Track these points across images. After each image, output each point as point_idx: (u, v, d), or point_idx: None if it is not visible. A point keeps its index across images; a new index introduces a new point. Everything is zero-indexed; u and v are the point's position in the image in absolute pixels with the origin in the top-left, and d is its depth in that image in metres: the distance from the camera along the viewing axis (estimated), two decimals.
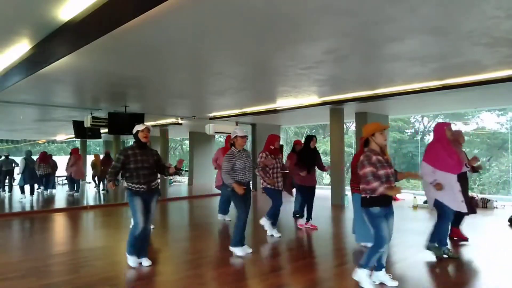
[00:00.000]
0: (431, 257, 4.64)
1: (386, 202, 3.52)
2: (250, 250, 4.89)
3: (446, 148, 4.50)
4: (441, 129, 4.59)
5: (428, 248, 4.68)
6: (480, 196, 9.72)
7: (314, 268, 4.45)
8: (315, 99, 8.72)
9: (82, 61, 5.46)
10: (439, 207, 4.55)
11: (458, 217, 5.32)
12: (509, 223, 6.88)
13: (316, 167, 6.50)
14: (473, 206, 5.55)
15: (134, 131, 4.36)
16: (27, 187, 11.67)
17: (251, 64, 5.89)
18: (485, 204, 9.07)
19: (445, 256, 4.58)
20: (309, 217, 6.52)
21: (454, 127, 5.04)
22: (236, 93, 8.19)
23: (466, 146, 22.32)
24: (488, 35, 4.35)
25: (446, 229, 4.67)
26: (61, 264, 4.56)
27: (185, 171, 20.27)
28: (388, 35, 4.39)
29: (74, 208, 9.59)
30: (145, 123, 4.49)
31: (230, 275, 4.12)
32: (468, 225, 6.92)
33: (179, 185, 16.69)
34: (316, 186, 6.77)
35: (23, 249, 5.56)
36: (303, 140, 6.76)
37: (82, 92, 8.24)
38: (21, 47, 4.75)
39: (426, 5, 3.56)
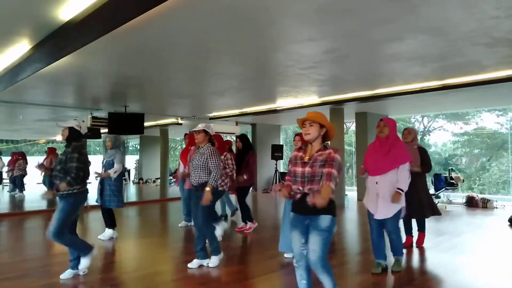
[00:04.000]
0: (430, 258, 4.65)
1: (296, 207, 2.82)
2: (205, 262, 4.27)
3: (371, 146, 4.06)
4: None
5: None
6: (480, 196, 9.74)
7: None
8: (315, 99, 8.72)
9: (82, 61, 5.45)
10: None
11: (407, 223, 5.08)
12: (509, 223, 6.87)
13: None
14: (423, 210, 4.83)
15: None
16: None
17: (251, 64, 5.89)
18: (485, 204, 9.07)
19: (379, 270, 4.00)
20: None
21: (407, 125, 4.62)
22: (236, 93, 8.19)
23: (466, 146, 22.35)
24: (488, 35, 4.35)
25: (373, 239, 4.03)
26: (61, 264, 4.55)
27: None
28: (388, 35, 4.39)
29: None
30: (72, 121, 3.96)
31: (231, 275, 4.12)
32: (468, 225, 6.94)
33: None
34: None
35: (23, 249, 5.56)
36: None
37: (82, 92, 8.23)
38: (21, 47, 4.75)
39: (426, 5, 3.57)
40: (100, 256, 4.97)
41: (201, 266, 4.24)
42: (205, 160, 4.11)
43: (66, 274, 3.90)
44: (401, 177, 3.77)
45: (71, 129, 3.87)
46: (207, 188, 4.02)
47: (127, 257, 5.04)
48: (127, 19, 3.64)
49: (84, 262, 3.92)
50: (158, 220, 8.25)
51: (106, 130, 9.68)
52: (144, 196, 12.89)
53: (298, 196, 2.76)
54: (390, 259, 4.15)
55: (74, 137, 3.89)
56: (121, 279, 4.01)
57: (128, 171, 18.59)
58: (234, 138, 11.12)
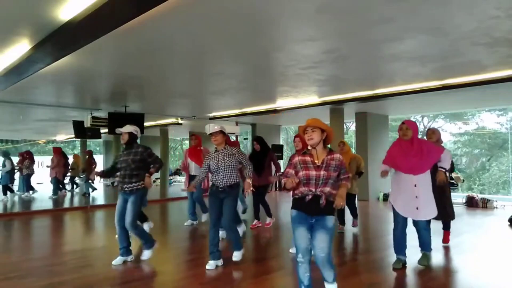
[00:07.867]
0: (436, 258, 4.65)
1: (303, 207, 2.96)
2: (219, 263, 4.30)
3: (399, 145, 4.13)
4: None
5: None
6: (480, 196, 9.73)
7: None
8: (315, 99, 8.72)
9: (82, 61, 5.46)
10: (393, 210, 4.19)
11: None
12: (509, 223, 6.87)
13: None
14: (446, 213, 4.96)
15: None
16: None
17: (251, 64, 5.89)
18: (485, 204, 9.07)
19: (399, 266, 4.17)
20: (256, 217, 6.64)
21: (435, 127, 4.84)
22: (236, 93, 8.19)
23: (468, 146, 22.36)
24: (488, 35, 4.35)
25: (396, 236, 4.18)
26: (61, 264, 4.56)
27: None
28: (388, 35, 4.39)
29: (75, 208, 9.59)
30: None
31: (231, 275, 4.12)
32: (468, 225, 6.93)
33: (179, 185, 16.67)
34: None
35: (23, 249, 5.56)
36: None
37: (82, 92, 8.23)
38: (21, 47, 4.75)
39: (426, 5, 3.57)
40: (100, 256, 4.98)
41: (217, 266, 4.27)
42: (235, 159, 4.35)
43: (117, 261, 4.40)
44: (445, 159, 4.24)
45: (130, 134, 4.54)
46: (248, 180, 4.41)
47: None
48: (127, 19, 3.64)
49: (147, 254, 4.52)
50: (159, 220, 8.23)
51: (106, 130, 9.68)
52: None
53: (310, 197, 2.93)
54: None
55: (133, 140, 4.57)
56: (121, 279, 4.01)
57: None
58: (234, 138, 11.17)
